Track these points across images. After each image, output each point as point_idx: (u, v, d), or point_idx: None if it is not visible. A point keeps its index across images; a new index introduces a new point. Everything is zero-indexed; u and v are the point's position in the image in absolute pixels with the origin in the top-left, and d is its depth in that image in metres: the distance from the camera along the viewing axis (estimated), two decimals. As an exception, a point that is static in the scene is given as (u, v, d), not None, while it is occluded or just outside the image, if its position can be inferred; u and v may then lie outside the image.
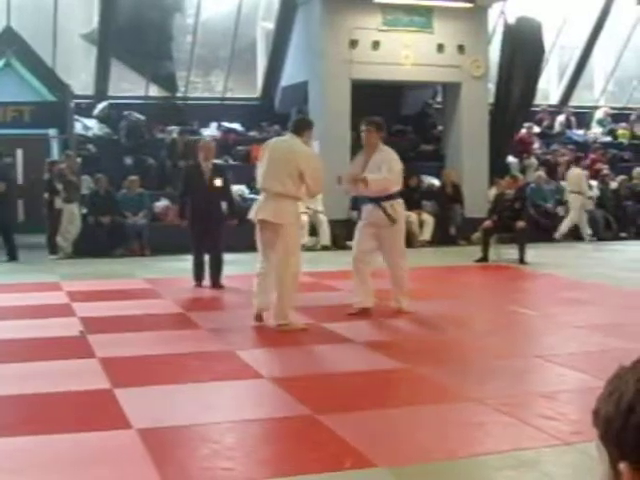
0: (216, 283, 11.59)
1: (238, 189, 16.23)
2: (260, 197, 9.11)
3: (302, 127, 8.95)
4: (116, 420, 5.54)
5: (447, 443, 5.20)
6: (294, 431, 5.48)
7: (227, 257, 11.90)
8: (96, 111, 18.69)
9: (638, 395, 1.14)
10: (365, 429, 5.34)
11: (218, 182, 11.53)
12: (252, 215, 8.91)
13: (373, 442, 5.08)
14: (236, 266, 12.27)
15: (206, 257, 11.66)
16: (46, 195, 16.14)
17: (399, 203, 9.50)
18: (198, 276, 11.67)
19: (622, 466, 1.14)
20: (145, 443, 5.06)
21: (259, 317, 8.95)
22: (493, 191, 16.98)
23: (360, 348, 7.87)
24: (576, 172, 18.35)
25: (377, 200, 9.32)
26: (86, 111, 18.54)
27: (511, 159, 19.74)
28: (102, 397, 6.15)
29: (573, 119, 22.32)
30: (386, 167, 9.21)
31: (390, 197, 9.35)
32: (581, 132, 22.18)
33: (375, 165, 9.26)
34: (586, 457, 4.55)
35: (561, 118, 22.14)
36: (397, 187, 9.44)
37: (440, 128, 19.96)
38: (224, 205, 11.92)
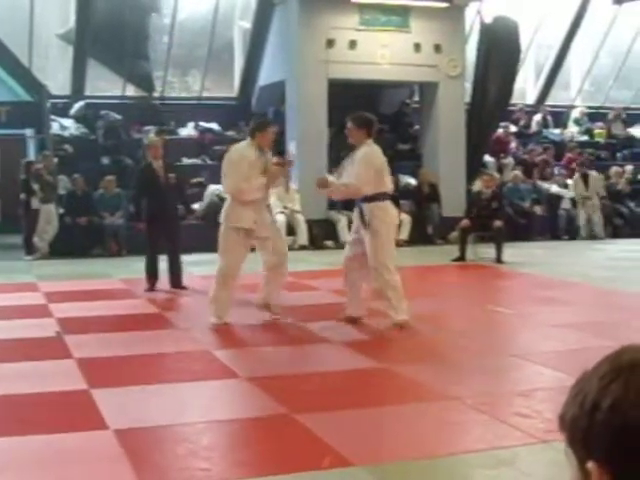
0: (178, 284, 11.27)
1: (215, 189, 16.19)
2: None
3: (253, 130, 9.05)
4: (93, 421, 5.51)
5: (425, 442, 5.21)
6: (271, 431, 5.47)
7: (206, 257, 11.87)
8: (73, 111, 18.62)
9: (601, 392, 1.14)
10: (343, 428, 5.34)
11: (172, 180, 11.40)
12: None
13: (351, 441, 5.08)
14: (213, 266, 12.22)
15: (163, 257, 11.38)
16: (22, 195, 16.05)
17: (379, 207, 8.52)
18: (152, 278, 11.24)
19: (590, 465, 1.14)
20: (122, 444, 5.04)
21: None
22: (478, 185, 16.61)
23: (338, 347, 7.86)
24: (593, 176, 18.94)
25: (360, 201, 8.63)
26: (63, 111, 18.47)
27: (488, 158, 19.79)
28: (79, 398, 6.11)
29: (550, 118, 22.40)
30: (353, 171, 8.50)
31: (372, 198, 8.49)
32: (558, 131, 22.27)
33: (351, 165, 8.63)
34: (563, 455, 4.55)
35: (538, 117, 22.22)
36: (378, 189, 8.49)
37: (417, 127, 19.99)
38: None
